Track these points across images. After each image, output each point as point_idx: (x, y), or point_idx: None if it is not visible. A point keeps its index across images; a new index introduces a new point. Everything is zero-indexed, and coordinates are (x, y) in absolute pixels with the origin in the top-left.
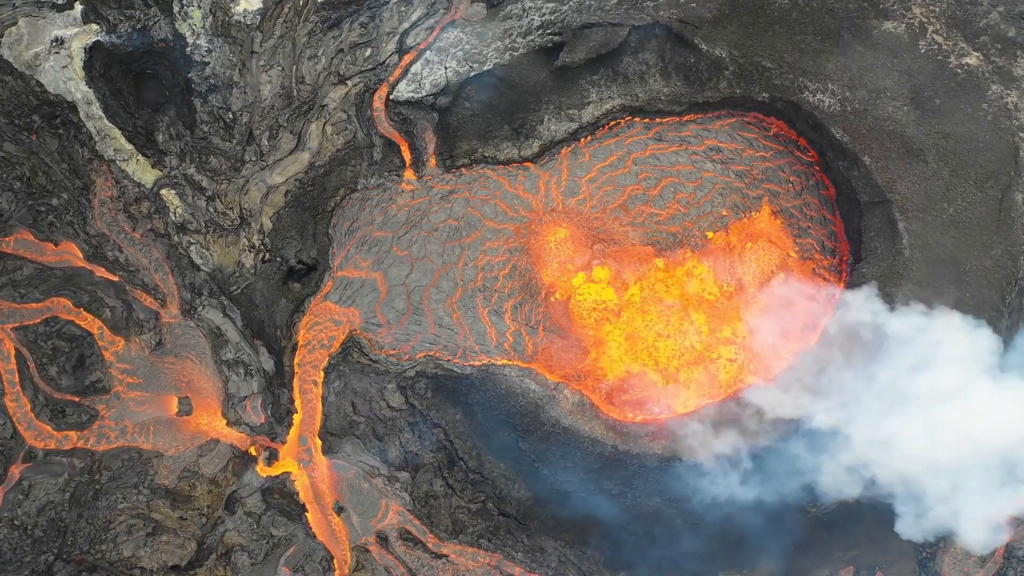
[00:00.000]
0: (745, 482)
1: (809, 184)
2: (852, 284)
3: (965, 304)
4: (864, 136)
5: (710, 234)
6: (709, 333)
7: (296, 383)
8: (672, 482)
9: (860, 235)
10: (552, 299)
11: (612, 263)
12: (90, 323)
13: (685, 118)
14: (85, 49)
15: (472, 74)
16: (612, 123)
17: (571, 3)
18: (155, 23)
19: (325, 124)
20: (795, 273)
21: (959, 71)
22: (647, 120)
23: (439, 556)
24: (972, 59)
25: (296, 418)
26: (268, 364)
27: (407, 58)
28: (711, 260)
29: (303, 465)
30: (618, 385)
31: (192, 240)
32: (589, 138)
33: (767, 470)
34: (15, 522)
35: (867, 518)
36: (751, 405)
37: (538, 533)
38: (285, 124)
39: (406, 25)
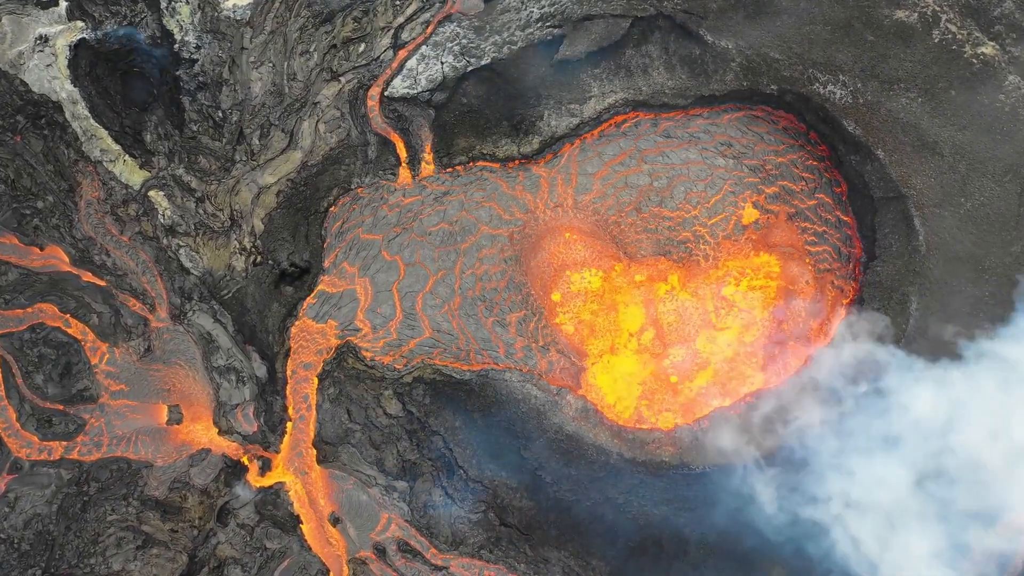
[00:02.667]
0: (756, 490)
1: (822, 181)
2: (866, 282)
3: (984, 303)
4: (877, 129)
5: (723, 244)
6: (722, 344)
7: (289, 390)
8: (680, 490)
9: (874, 232)
10: (556, 322)
11: (621, 281)
12: (77, 330)
13: (691, 112)
14: (70, 47)
15: (469, 69)
16: (616, 119)
17: None
18: (142, 19)
19: (318, 122)
20: (811, 295)
21: (974, 61)
22: (653, 116)
23: (439, 568)
24: (988, 49)
25: (290, 426)
26: (260, 370)
27: (402, 53)
28: (723, 277)
29: (297, 475)
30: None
31: (181, 243)
32: (596, 134)
33: (778, 477)
34: (1, 535)
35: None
36: (762, 411)
37: (541, 544)
38: (276, 122)
39: (401, 19)
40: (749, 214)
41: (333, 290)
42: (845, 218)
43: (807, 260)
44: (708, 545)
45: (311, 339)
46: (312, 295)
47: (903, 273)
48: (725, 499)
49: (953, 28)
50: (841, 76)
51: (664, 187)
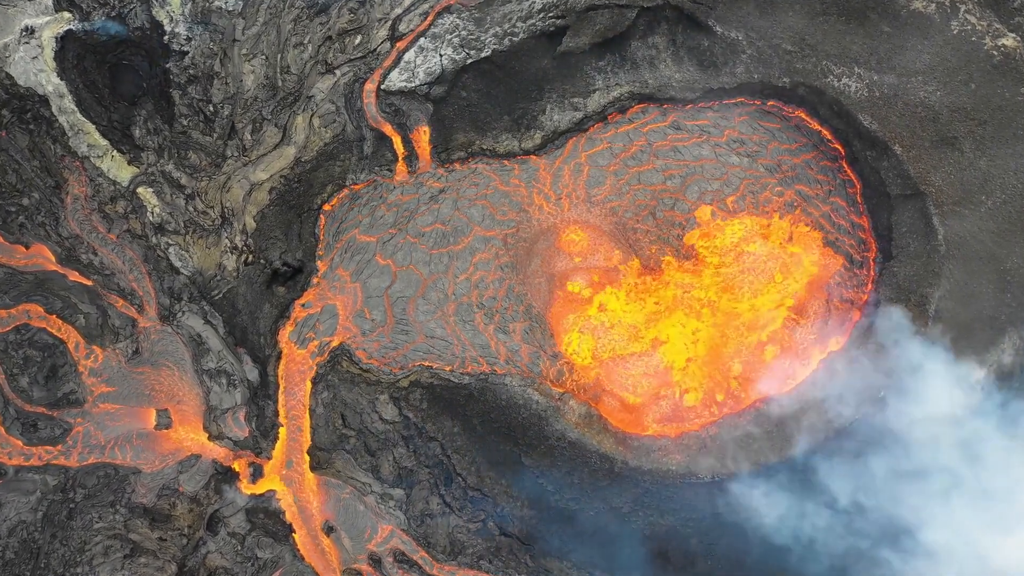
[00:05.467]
0: (766, 500)
1: (836, 183)
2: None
3: (1006, 305)
4: (894, 123)
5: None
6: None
7: (282, 394)
8: (687, 500)
9: (890, 232)
10: (564, 338)
11: (633, 290)
12: (63, 331)
13: (700, 105)
14: (57, 39)
15: (469, 61)
16: (622, 111)
17: None
18: (131, 10)
19: (312, 116)
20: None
21: (995, 53)
22: (659, 106)
23: None
24: (1008, 40)
25: (282, 432)
26: (252, 374)
27: (400, 45)
28: (734, 284)
29: (290, 482)
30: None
31: (171, 241)
32: (601, 124)
33: (789, 486)
34: None
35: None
36: (771, 419)
37: (542, 554)
38: (269, 117)
39: (399, 10)
40: (776, 225)
41: (314, 308)
42: (859, 221)
43: (820, 270)
44: (716, 557)
45: (299, 364)
46: (289, 326)
47: (921, 274)
48: (734, 509)
49: (972, 19)
50: (856, 68)
51: (678, 187)
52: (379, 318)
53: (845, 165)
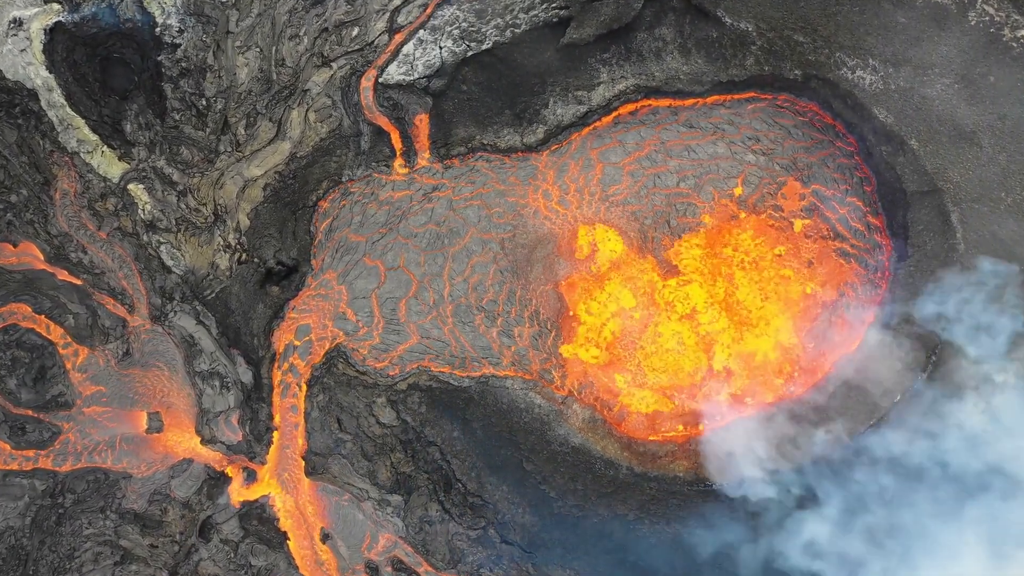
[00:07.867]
0: (777, 507)
1: (853, 182)
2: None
3: None
4: (910, 117)
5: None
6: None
7: (276, 397)
8: (695, 507)
9: (906, 230)
10: (573, 346)
11: (652, 293)
12: (52, 331)
13: (709, 100)
14: (46, 31)
15: (469, 54)
16: (630, 106)
17: None
18: (122, 1)
19: (308, 111)
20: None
21: (1014, 45)
22: (669, 104)
23: None
24: None
25: (276, 436)
26: (246, 376)
27: (398, 37)
28: (746, 287)
29: (285, 488)
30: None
31: (162, 239)
32: (609, 121)
33: (800, 493)
34: None
35: None
36: (783, 422)
37: (545, 563)
38: (264, 111)
39: (397, 1)
40: (793, 231)
41: (289, 335)
42: (875, 221)
43: (834, 272)
44: (724, 567)
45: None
46: (294, 302)
47: (938, 274)
48: (743, 517)
49: (991, 10)
50: (871, 60)
51: (692, 188)
52: (365, 319)
53: (860, 161)
